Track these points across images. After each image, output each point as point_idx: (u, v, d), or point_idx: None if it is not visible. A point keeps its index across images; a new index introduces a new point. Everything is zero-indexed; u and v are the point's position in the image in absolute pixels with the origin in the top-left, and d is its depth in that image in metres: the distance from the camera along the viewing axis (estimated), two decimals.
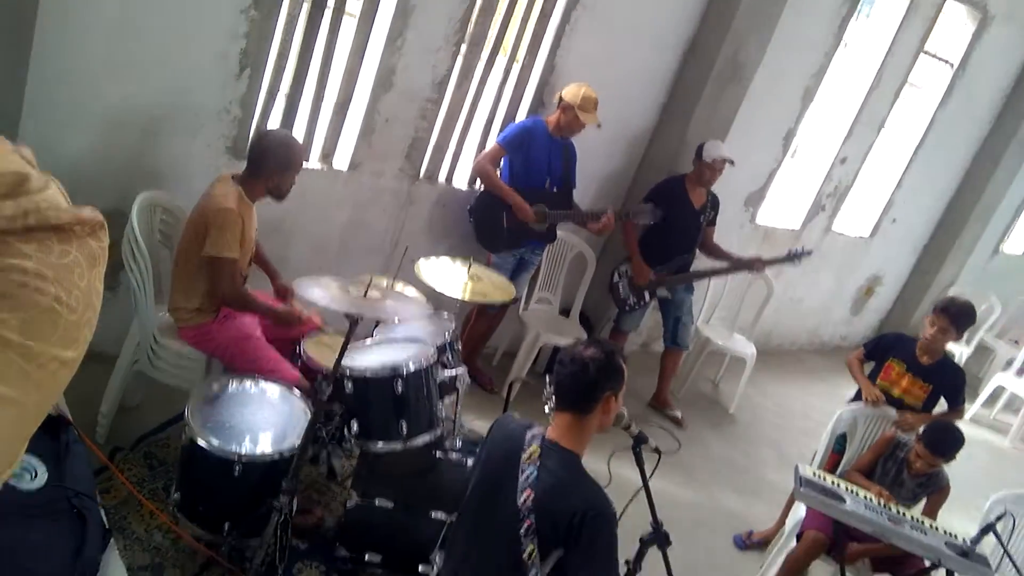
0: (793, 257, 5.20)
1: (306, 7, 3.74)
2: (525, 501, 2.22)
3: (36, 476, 2.06)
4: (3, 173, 0.67)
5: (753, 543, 4.42)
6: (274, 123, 3.89)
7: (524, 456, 2.29)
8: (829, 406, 4.42)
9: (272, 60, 3.75)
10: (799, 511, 3.92)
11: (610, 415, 2.36)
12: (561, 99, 4.49)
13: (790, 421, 6.25)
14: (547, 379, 2.52)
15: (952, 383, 4.20)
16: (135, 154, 3.54)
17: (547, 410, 2.45)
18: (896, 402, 4.20)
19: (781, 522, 4.32)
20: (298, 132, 3.95)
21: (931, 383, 4.16)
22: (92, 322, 0.74)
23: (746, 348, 5.92)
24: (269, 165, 3.23)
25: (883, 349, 4.35)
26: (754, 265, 5.24)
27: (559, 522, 2.19)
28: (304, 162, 3.43)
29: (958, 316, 4.08)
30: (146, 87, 3.45)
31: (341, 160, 4.24)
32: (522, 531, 2.20)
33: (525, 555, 2.20)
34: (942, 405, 4.22)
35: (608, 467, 2.60)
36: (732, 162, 4.95)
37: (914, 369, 4.18)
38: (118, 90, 3.38)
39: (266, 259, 3.62)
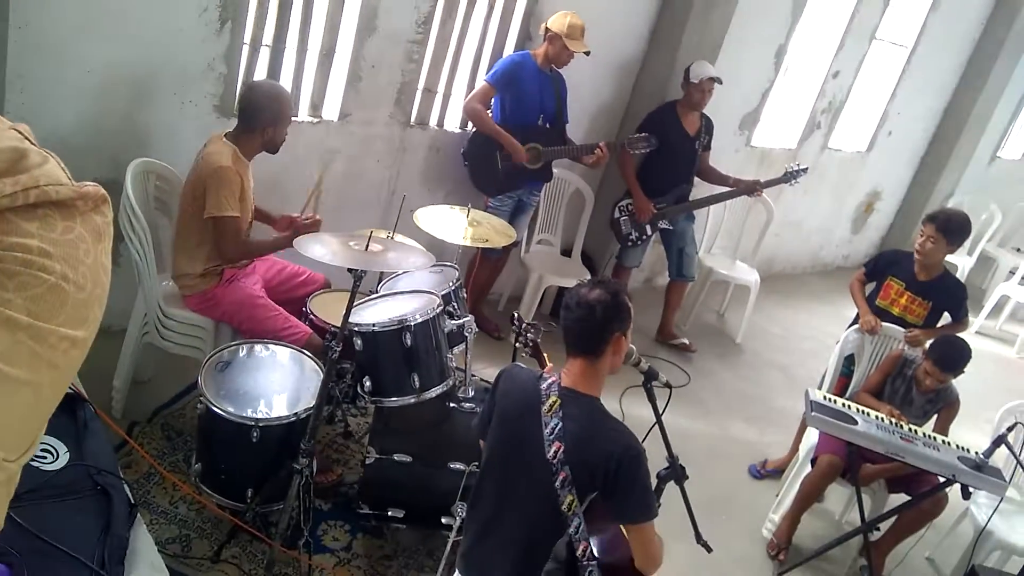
0: (790, 176, 5.14)
1: None
2: (556, 454, 2.21)
3: (57, 456, 2.06)
4: (1, 150, 0.65)
5: (768, 472, 4.46)
6: (260, 77, 3.80)
7: (544, 408, 2.27)
8: (835, 328, 4.42)
9: (252, 11, 3.64)
10: (812, 436, 3.94)
11: (620, 355, 2.33)
12: (547, 30, 4.38)
13: (797, 345, 6.27)
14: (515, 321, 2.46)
15: (953, 298, 4.14)
16: (123, 120, 3.46)
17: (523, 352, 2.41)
18: (896, 321, 4.16)
19: (795, 449, 4.35)
20: (284, 84, 3.85)
21: (931, 300, 4.11)
22: (102, 299, 0.72)
23: (749, 276, 5.90)
24: (261, 118, 3.18)
25: (882, 267, 4.29)
26: (753, 187, 5.18)
27: (595, 469, 2.18)
28: (291, 107, 3.37)
29: (946, 224, 3.98)
30: (127, 49, 3.36)
31: (331, 111, 4.15)
32: (557, 483, 2.20)
33: (564, 506, 2.20)
34: (946, 319, 4.19)
35: (620, 405, 2.61)
36: (720, 80, 4.86)
37: (913, 287, 4.13)
38: (99, 55, 3.29)
39: (264, 210, 3.56)
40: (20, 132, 0.68)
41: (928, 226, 4.00)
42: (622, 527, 2.30)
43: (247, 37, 3.68)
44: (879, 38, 6.87)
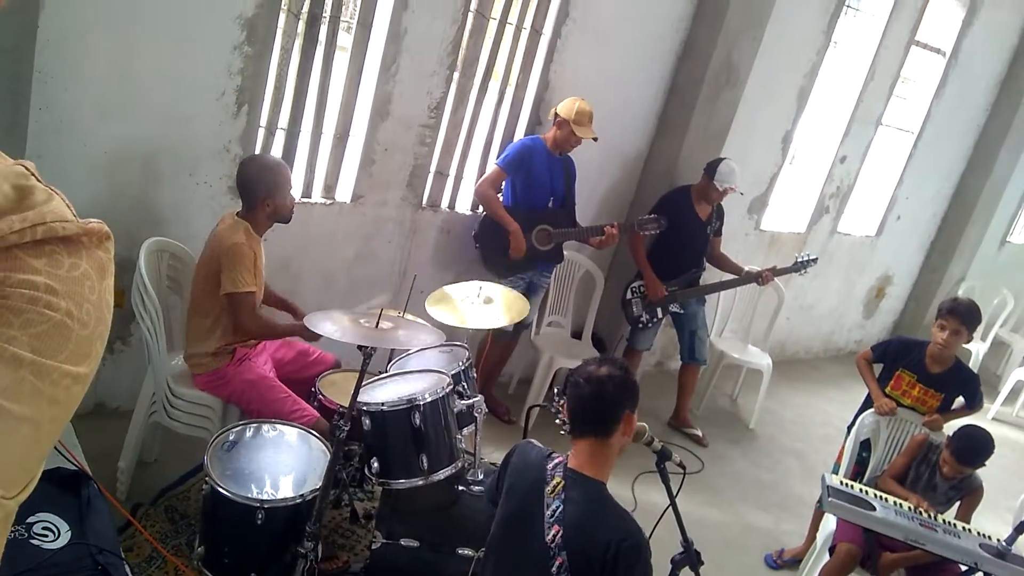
0: (800, 266, 5.17)
1: (299, 42, 3.73)
2: (554, 538, 2.16)
3: (59, 535, 2.03)
4: (8, 186, 0.65)
5: (785, 561, 4.34)
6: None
7: (548, 489, 2.23)
8: (849, 413, 4.35)
9: (269, 96, 3.73)
10: (830, 524, 3.84)
11: (630, 435, 2.30)
12: (556, 115, 4.46)
13: (811, 430, 6.17)
14: (555, 396, 2.46)
15: (967, 388, 4.07)
16: (138, 200, 3.51)
17: (562, 429, 2.39)
18: (908, 411, 4.10)
19: (811, 537, 4.24)
20: (299, 167, 3.93)
21: (944, 392, 4.04)
22: (104, 335, 0.72)
23: (761, 359, 5.85)
24: (259, 191, 3.21)
25: (891, 357, 4.22)
26: (762, 277, 5.18)
27: (592, 556, 2.12)
28: (290, 177, 3.39)
29: (968, 315, 3.94)
30: (145, 131, 3.43)
31: (343, 192, 4.21)
32: (554, 569, 2.14)
33: None
34: (959, 401, 4.11)
35: (632, 492, 2.55)
36: (742, 193, 4.92)
37: (925, 379, 4.06)
38: (117, 136, 3.36)
39: (282, 298, 3.58)
40: (26, 168, 0.68)
41: (951, 319, 3.94)
42: None
43: (263, 120, 3.75)
44: (885, 124, 6.97)
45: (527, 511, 2.23)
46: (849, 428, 4.23)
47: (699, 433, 5.44)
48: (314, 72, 3.82)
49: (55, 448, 2.21)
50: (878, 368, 4.29)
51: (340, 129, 4.07)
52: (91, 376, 0.70)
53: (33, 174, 0.68)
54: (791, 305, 6.51)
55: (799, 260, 5.16)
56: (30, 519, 2.02)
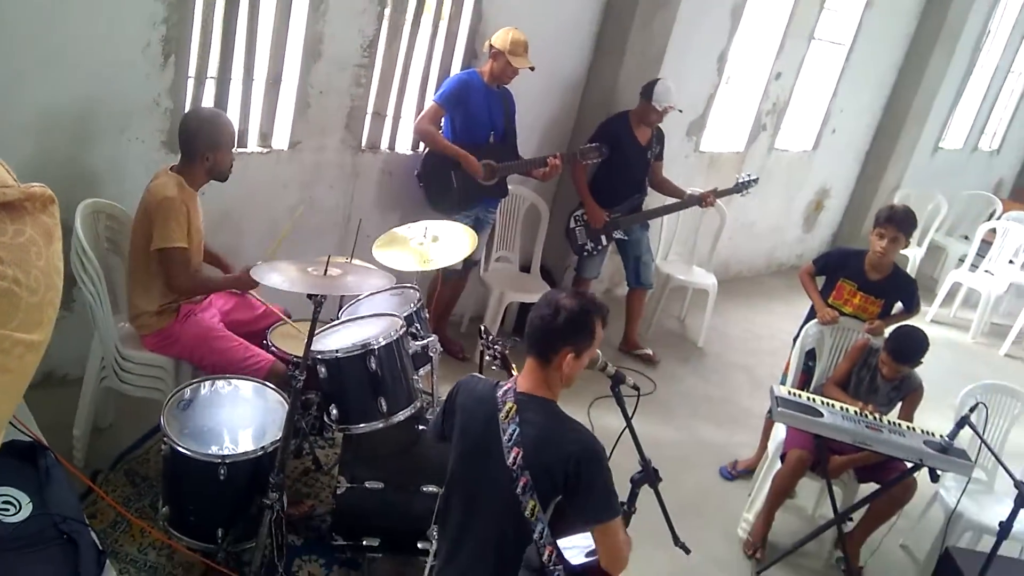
0: (741, 187, 5.23)
1: None
2: (515, 460, 2.21)
3: (20, 508, 2.01)
4: None
5: (739, 472, 4.50)
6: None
7: (501, 415, 2.27)
8: (794, 326, 4.47)
9: (196, 44, 3.61)
10: (780, 433, 3.98)
11: (566, 373, 2.29)
12: (491, 46, 4.39)
13: (758, 345, 6.33)
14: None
15: (905, 292, 4.20)
16: (70, 161, 3.39)
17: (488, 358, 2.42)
18: (850, 319, 4.22)
19: (763, 446, 4.39)
20: (232, 115, 3.80)
21: (884, 297, 4.16)
22: (55, 302, 0.71)
23: (707, 279, 5.96)
24: (198, 144, 3.14)
25: (832, 268, 4.32)
26: (704, 199, 5.23)
27: (555, 472, 2.19)
28: (235, 135, 3.33)
29: (904, 221, 4.03)
30: (69, 89, 3.30)
31: (280, 140, 4.12)
32: (519, 489, 2.20)
33: (527, 512, 2.20)
34: (899, 307, 4.25)
35: (588, 417, 2.60)
36: (680, 110, 4.93)
37: (865, 287, 4.17)
38: (41, 96, 3.23)
39: (216, 253, 3.52)
40: None
41: (889, 227, 4.02)
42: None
43: (192, 70, 3.64)
44: (817, 38, 7.01)
45: (485, 440, 2.28)
46: (795, 340, 4.34)
47: (650, 352, 5.55)
48: (241, 16, 3.70)
49: (9, 422, 2.18)
50: (821, 281, 4.39)
51: (272, 74, 3.96)
52: (45, 344, 0.69)
53: None
54: (733, 224, 6.60)
55: (740, 181, 5.23)
56: None
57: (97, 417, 3.44)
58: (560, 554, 2.27)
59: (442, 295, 4.72)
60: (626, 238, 5.24)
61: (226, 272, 3.50)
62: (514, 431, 2.23)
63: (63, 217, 2.67)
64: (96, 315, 3.19)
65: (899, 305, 4.23)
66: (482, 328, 3.07)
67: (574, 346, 2.25)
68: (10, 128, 3.21)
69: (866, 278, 4.16)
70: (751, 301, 7.26)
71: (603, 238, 5.14)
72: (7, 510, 1.98)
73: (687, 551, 2.60)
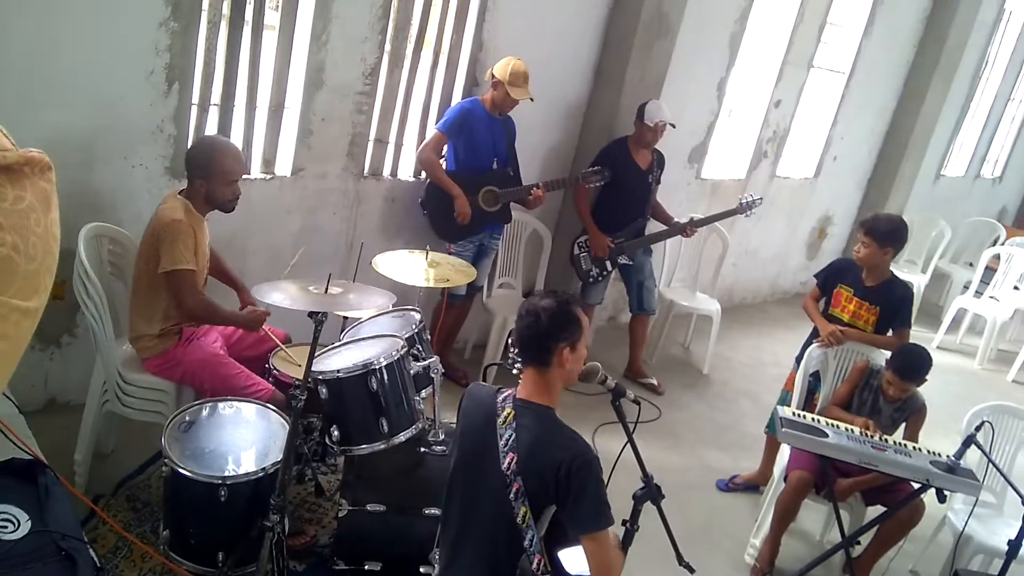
0: (745, 207, 5.23)
1: (226, 10, 3.64)
2: (510, 465, 2.21)
3: (19, 525, 2.00)
4: None
5: (737, 485, 4.49)
6: (211, 135, 3.78)
7: (499, 420, 2.28)
8: (797, 351, 4.45)
9: (199, 71, 3.65)
10: (785, 456, 3.94)
11: (568, 368, 2.32)
12: (492, 75, 4.44)
13: (763, 372, 6.30)
14: (511, 348, 2.50)
15: (899, 299, 4.13)
16: (73, 186, 3.41)
17: (515, 371, 2.43)
18: (846, 327, 4.19)
19: (764, 464, 4.37)
20: (235, 142, 3.83)
21: (878, 304, 4.13)
22: (52, 268, 0.71)
23: (710, 306, 5.95)
24: (194, 172, 3.18)
25: (832, 276, 4.33)
26: (686, 229, 5.24)
27: (546, 477, 2.18)
28: (235, 170, 3.26)
29: (872, 226, 4.04)
30: (74, 116, 3.34)
31: (283, 166, 4.15)
32: (511, 495, 2.19)
33: (519, 519, 2.19)
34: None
35: (593, 443, 2.58)
36: (673, 125, 4.96)
37: (860, 292, 4.16)
38: (45, 122, 3.25)
39: (229, 272, 3.54)
40: None
41: (859, 232, 4.10)
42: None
43: (195, 97, 3.68)
44: (816, 66, 7.07)
45: (482, 445, 2.28)
46: (798, 359, 4.33)
47: (654, 382, 5.52)
48: (244, 44, 3.75)
49: (8, 439, 2.18)
50: (823, 303, 4.39)
51: (275, 101, 4.00)
52: (40, 311, 0.68)
53: None
54: (736, 251, 6.61)
55: (744, 201, 5.23)
56: None
57: (99, 443, 3.43)
58: (549, 563, 2.25)
59: (446, 321, 4.73)
60: (630, 263, 5.24)
61: (241, 294, 3.51)
62: (510, 436, 2.24)
63: (68, 242, 2.69)
64: (98, 338, 3.19)
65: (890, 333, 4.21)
66: (508, 341, 3.06)
67: (567, 340, 2.28)
68: None
69: (862, 284, 4.17)
70: (755, 328, 7.24)
71: (607, 264, 5.14)
72: (6, 527, 1.97)
73: (691, 571, 2.57)
